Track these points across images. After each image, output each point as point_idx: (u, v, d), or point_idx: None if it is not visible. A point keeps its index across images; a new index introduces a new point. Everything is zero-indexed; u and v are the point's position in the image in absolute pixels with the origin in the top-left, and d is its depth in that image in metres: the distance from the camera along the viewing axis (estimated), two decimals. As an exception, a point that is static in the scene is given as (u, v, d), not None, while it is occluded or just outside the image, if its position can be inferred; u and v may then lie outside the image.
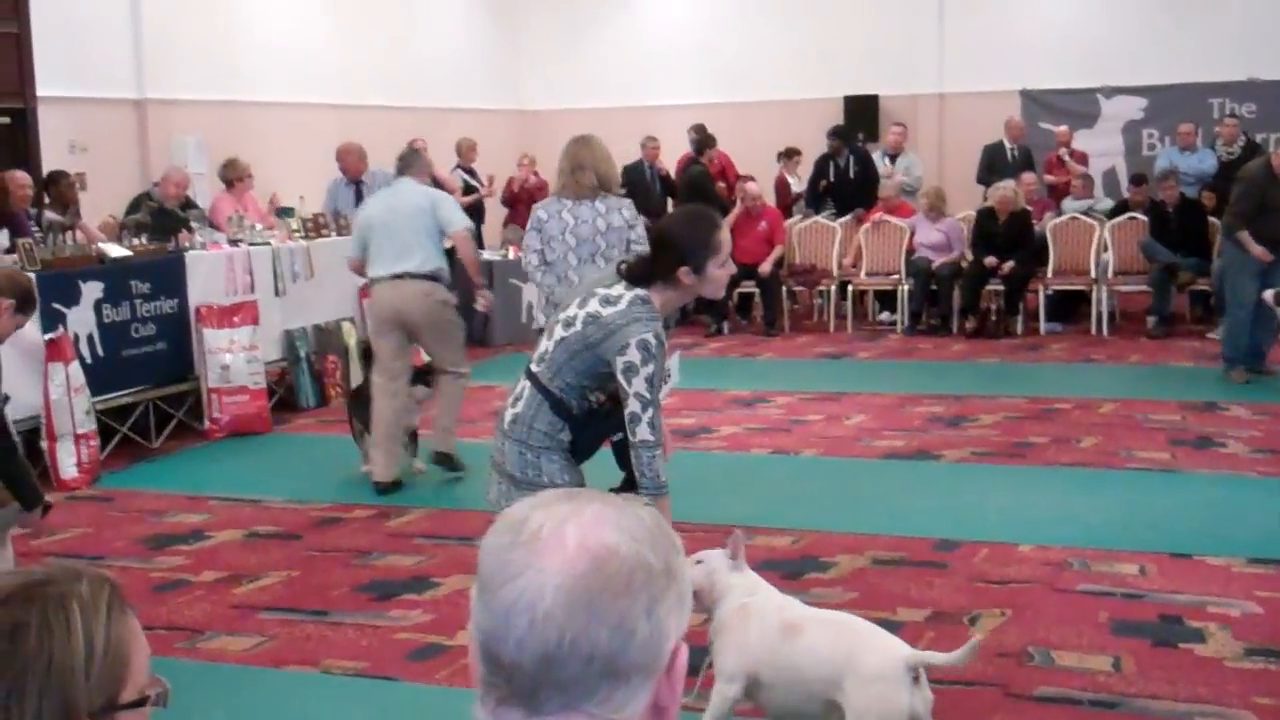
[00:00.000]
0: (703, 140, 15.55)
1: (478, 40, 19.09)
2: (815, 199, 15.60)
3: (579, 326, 4.29)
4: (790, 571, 6.30)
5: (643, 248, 6.97)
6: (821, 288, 14.66)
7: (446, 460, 8.33)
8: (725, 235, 4.37)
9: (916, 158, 16.23)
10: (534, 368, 4.41)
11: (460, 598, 6.13)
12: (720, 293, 4.58)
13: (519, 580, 1.35)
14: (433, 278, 8.08)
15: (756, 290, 14.33)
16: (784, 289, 14.41)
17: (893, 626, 4.82)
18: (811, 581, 6.17)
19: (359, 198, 11.92)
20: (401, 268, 8.01)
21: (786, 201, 16.05)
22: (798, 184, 16.26)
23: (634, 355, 4.18)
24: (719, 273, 4.33)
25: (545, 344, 4.40)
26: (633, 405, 4.20)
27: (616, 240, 7.12)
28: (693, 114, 16.75)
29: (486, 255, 13.17)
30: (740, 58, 18.59)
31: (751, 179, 14.68)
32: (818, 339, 13.79)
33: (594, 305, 4.29)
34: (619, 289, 4.31)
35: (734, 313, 14.62)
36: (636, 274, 4.34)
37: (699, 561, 4.23)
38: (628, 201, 7.37)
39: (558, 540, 1.36)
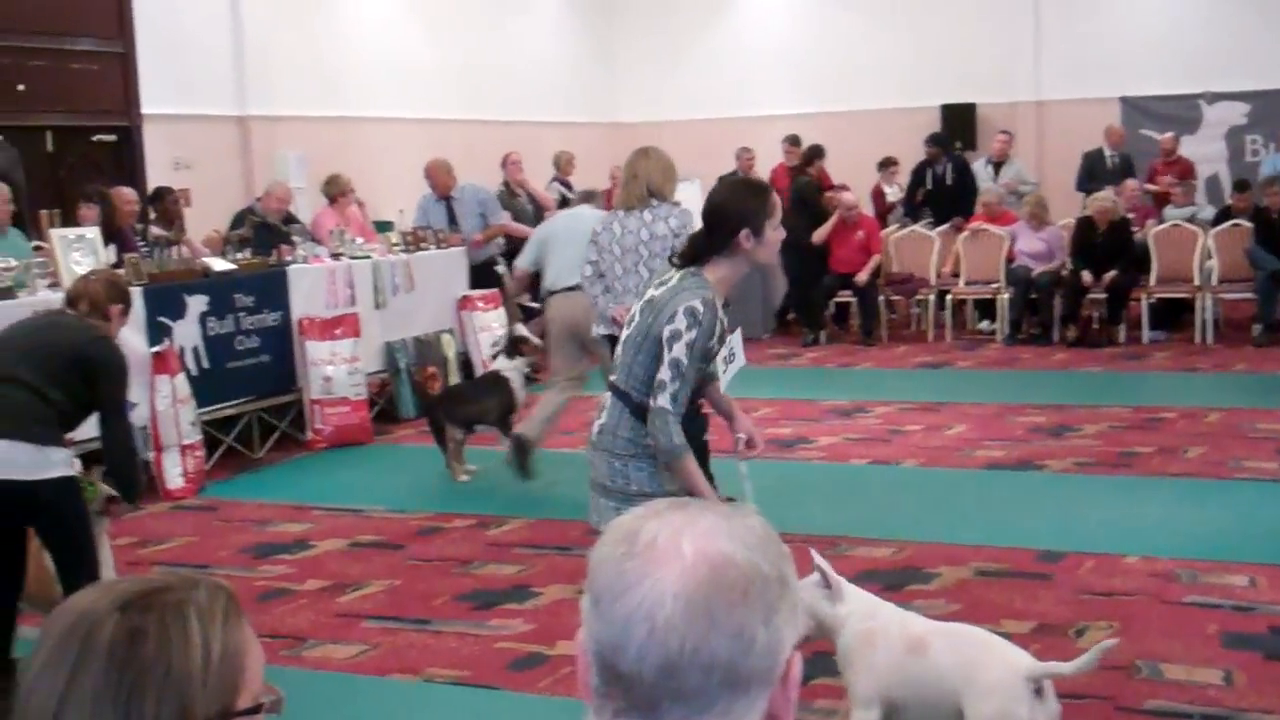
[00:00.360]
0: (811, 151, 15.44)
1: (572, 54, 19.16)
2: (912, 208, 15.49)
3: (637, 318, 4.37)
4: (892, 583, 6.24)
5: None
6: (919, 297, 14.56)
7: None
8: (776, 198, 4.41)
9: (1023, 165, 16.00)
10: (612, 377, 4.49)
11: (560, 607, 6.16)
12: (774, 257, 4.57)
13: (637, 590, 1.34)
14: None
15: (854, 300, 14.26)
16: (881, 298, 14.31)
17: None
18: (914, 593, 6.11)
19: (450, 213, 11.99)
20: (577, 280, 8.16)
21: (882, 211, 15.94)
22: (894, 193, 16.14)
23: (680, 322, 4.20)
24: (774, 235, 4.36)
25: (618, 351, 4.48)
26: (663, 372, 4.22)
27: (660, 249, 7.10)
28: (788, 124, 16.71)
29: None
30: (836, 68, 18.50)
31: (846, 188, 14.61)
32: (916, 348, 13.69)
33: (648, 294, 4.39)
34: (670, 274, 4.38)
35: (831, 322, 14.56)
36: (689, 255, 4.38)
37: None
38: (679, 209, 7.35)
39: (674, 550, 1.35)
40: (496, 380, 8.97)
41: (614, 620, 1.35)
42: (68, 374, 5.12)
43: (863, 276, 13.88)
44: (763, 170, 15.79)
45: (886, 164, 16.34)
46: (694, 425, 4.49)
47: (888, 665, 4.02)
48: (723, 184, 4.53)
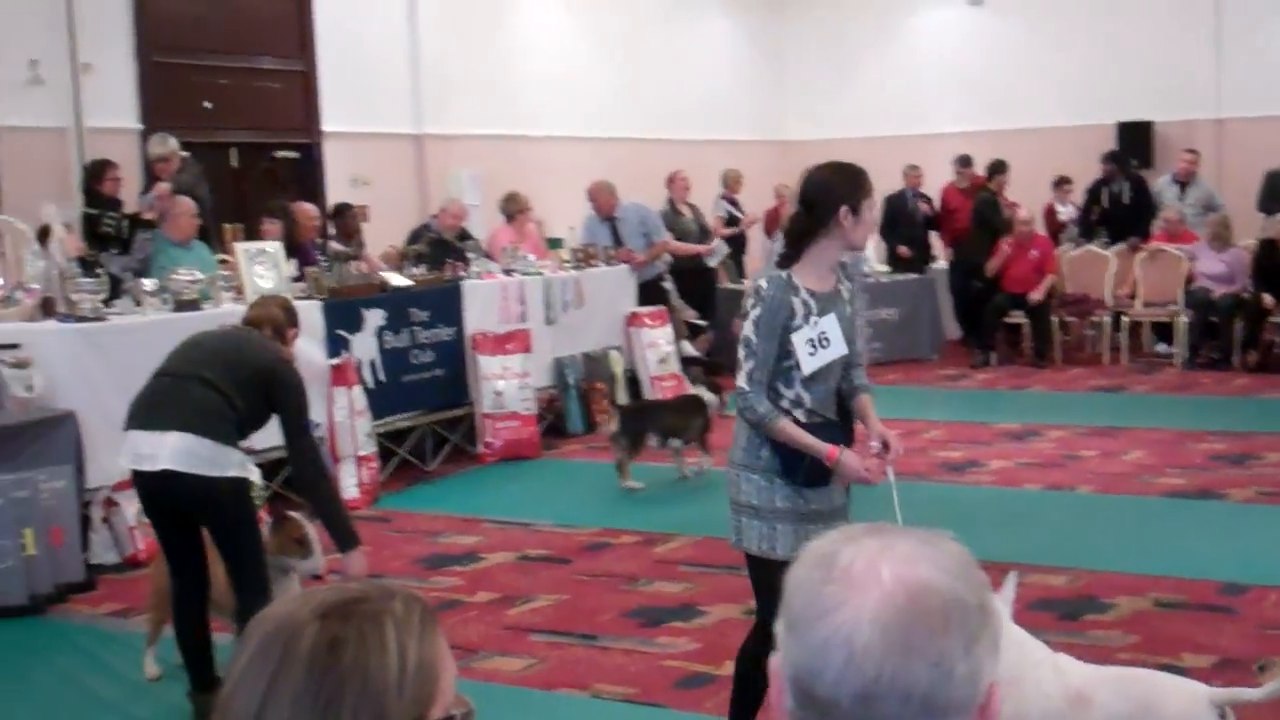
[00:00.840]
0: (994, 166, 15.16)
1: (741, 73, 19.17)
2: (1087, 227, 15.16)
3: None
4: (1067, 612, 6.11)
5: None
6: (1094, 318, 14.25)
7: None
8: (871, 182, 4.47)
9: (1211, 185, 15.51)
10: None
11: (726, 627, 6.14)
12: (866, 241, 4.67)
13: (834, 615, 1.33)
14: None
15: (1026, 320, 14.01)
16: (1054, 319, 14.03)
17: (1178, 673, 4.62)
18: (1090, 624, 5.98)
19: (615, 234, 12.07)
20: None
21: (1054, 230, 15.63)
22: (1067, 212, 15.82)
23: (749, 301, 4.35)
24: (870, 216, 4.42)
25: None
26: (738, 352, 4.36)
27: None
28: (958, 142, 16.48)
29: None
30: (1007, 84, 18.19)
31: (1018, 205, 14.36)
32: (1090, 371, 13.40)
33: None
34: None
35: (1003, 344, 14.31)
36: (791, 245, 4.42)
37: None
38: None
39: (872, 576, 1.34)
40: (699, 403, 9.27)
41: (811, 645, 1.34)
42: (252, 386, 5.26)
43: (1036, 296, 13.63)
44: (931, 190, 15.62)
45: (1060, 182, 16.02)
46: (843, 440, 4.45)
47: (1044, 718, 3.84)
48: (819, 166, 4.58)
